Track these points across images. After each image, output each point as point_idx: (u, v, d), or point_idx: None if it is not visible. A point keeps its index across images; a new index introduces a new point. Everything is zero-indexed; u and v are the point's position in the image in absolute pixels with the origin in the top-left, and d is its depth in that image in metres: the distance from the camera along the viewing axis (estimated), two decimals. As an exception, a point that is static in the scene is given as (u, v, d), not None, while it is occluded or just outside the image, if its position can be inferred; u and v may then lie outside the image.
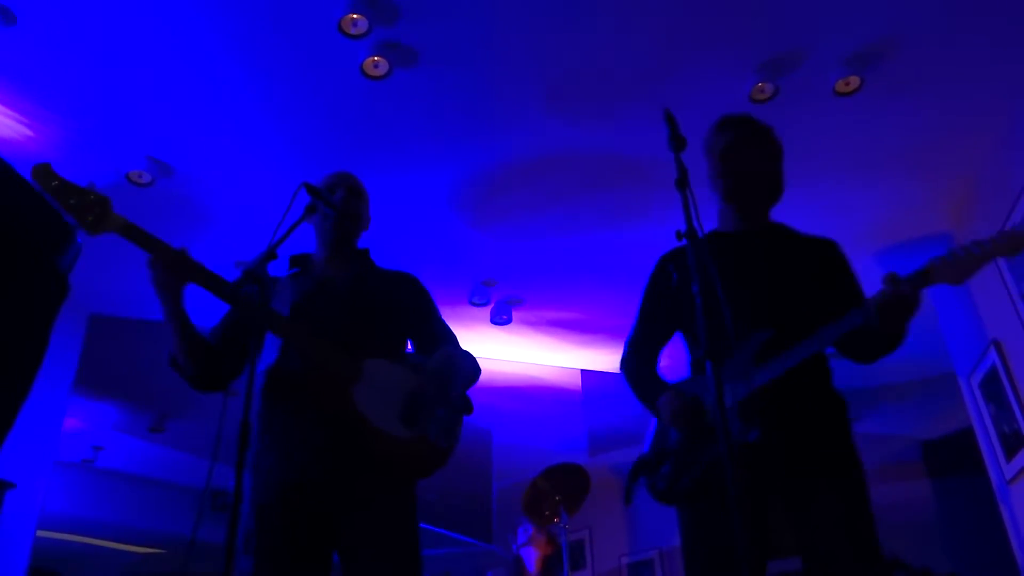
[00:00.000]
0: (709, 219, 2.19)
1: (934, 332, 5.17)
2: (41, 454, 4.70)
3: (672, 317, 2.28)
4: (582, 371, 6.21)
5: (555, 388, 6.41)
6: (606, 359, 5.93)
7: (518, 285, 5.12)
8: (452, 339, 2.44)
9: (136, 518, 6.96)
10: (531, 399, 6.52)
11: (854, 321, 1.88)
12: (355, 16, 3.12)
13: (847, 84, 3.51)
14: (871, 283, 4.71)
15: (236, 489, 1.82)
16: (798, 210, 4.21)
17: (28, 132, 3.70)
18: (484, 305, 5.14)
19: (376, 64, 3.40)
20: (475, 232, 4.60)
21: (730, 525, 1.96)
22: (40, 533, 6.79)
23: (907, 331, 1.95)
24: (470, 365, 2.40)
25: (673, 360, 2.46)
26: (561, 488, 4.10)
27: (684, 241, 1.82)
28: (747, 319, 2.02)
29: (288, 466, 2.11)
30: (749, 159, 2.23)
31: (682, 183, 1.87)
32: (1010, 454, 4.19)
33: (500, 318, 5.20)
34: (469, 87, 3.56)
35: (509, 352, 5.75)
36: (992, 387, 4.31)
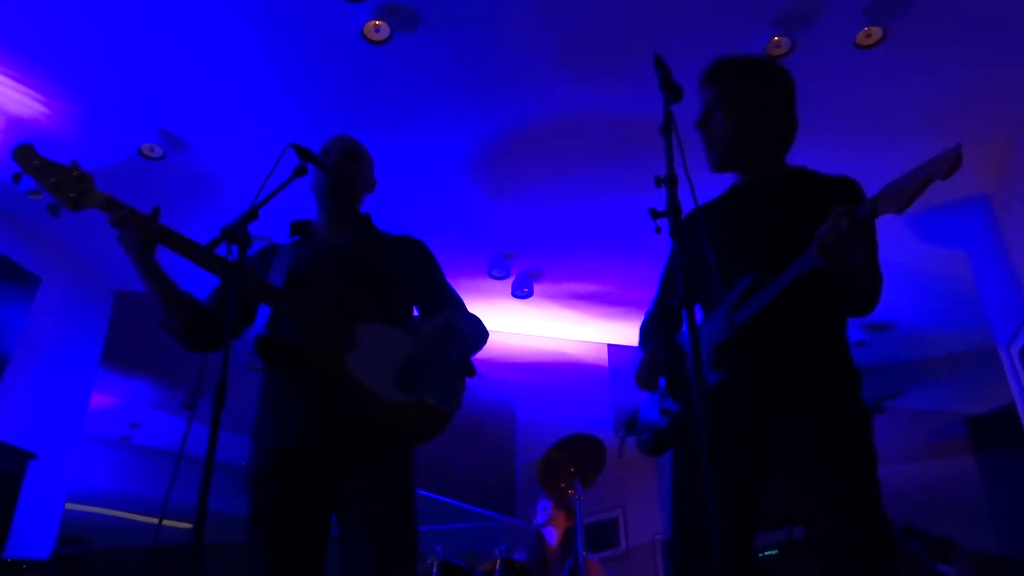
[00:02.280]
0: (699, 169, 2.09)
1: (975, 303, 4.95)
2: (68, 427, 4.79)
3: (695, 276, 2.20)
4: (608, 345, 6.11)
5: (580, 363, 6.32)
6: (633, 333, 5.79)
7: (538, 257, 5.03)
8: (458, 303, 2.37)
9: (173, 493, 7.08)
10: (556, 374, 6.44)
11: (804, 260, 1.76)
12: (351, -23, 3.07)
13: (868, 36, 3.33)
14: (903, 248, 4.48)
15: (210, 449, 1.78)
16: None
17: (43, 109, 3.73)
18: (504, 278, 5.07)
19: (377, 28, 3.34)
20: (491, 202, 4.52)
21: (702, 480, 1.91)
22: (81, 507, 6.99)
23: (858, 271, 1.79)
24: (474, 328, 2.33)
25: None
26: (576, 459, 4.01)
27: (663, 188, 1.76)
28: (738, 266, 1.95)
29: (283, 432, 2.09)
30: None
31: (667, 129, 1.83)
32: (1053, 426, 3.98)
33: (521, 291, 5.12)
34: (474, 50, 3.47)
35: (531, 326, 5.67)
36: (1034, 356, 4.10)
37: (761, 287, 1.86)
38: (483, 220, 4.67)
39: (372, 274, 2.26)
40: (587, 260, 5.07)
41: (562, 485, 4.00)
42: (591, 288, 5.36)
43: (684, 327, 1.91)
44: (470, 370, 2.29)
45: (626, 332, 5.85)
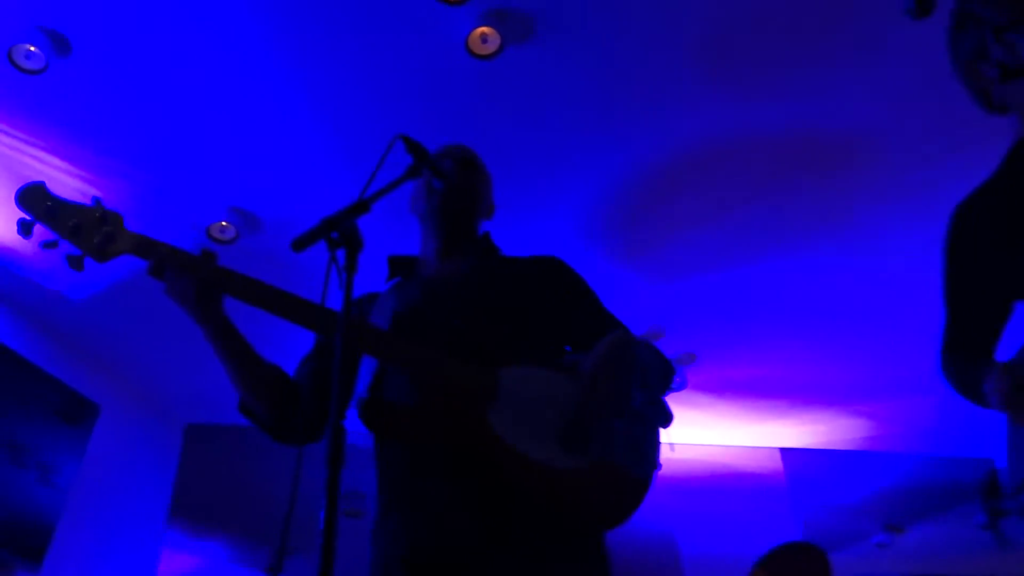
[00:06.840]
0: None
1: None
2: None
3: (998, 280, 1.63)
4: (781, 450, 5.12)
5: (749, 474, 5.25)
6: (811, 432, 4.74)
7: (690, 337, 4.12)
8: (623, 329, 1.77)
9: None
10: (720, 492, 5.37)
11: None
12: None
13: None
14: None
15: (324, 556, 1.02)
16: None
17: (89, 188, 3.18)
18: (648, 367, 4.14)
19: (484, 37, 2.70)
20: (624, 268, 3.72)
21: None
22: None
23: None
24: (654, 356, 1.71)
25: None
26: (791, 580, 2.99)
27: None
28: None
29: (415, 531, 1.52)
30: None
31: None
32: None
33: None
34: (599, 63, 2.79)
35: (687, 433, 4.67)
36: None
37: None
38: (616, 289, 3.80)
39: (505, 305, 1.73)
40: (751, 339, 4.14)
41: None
42: (755, 372, 4.36)
43: None
44: (664, 414, 1.66)
45: (802, 433, 4.77)
